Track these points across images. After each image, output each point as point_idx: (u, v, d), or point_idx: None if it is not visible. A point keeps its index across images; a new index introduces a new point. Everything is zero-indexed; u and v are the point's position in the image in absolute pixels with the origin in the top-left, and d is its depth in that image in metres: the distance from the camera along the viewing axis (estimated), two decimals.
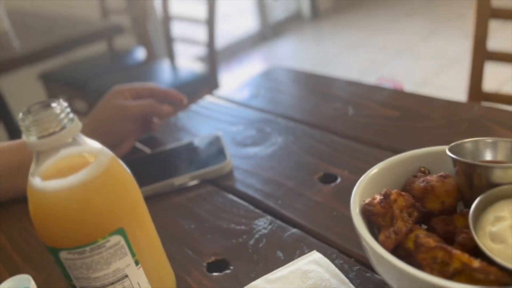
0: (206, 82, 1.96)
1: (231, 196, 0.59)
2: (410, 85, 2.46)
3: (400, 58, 2.84)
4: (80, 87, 2.05)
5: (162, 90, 0.74)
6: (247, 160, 0.66)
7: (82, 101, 2.18)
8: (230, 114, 0.81)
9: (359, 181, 0.44)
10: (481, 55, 1.12)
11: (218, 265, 0.49)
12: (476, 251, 0.37)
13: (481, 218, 0.38)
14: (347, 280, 0.44)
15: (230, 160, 0.64)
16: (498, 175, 0.39)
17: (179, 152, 0.69)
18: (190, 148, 0.70)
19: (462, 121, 0.65)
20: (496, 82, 2.22)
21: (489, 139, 0.43)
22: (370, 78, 2.61)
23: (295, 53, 3.37)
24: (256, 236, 0.52)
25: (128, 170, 0.40)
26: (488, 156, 0.43)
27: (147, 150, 0.73)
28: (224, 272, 0.48)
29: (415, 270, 0.34)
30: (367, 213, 0.40)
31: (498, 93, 1.13)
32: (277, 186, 0.60)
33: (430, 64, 2.67)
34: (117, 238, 0.36)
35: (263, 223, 0.54)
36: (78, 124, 0.36)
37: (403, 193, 0.42)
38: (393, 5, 3.70)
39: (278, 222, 0.53)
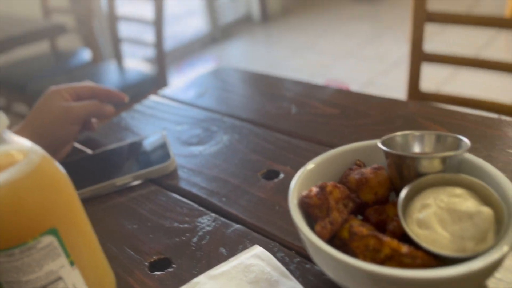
0: (155, 84, 1.93)
1: (174, 195, 0.59)
2: (356, 86, 2.54)
3: (346, 60, 2.93)
4: (20, 89, 1.96)
5: (103, 89, 0.72)
6: (192, 159, 0.66)
7: (22, 104, 2.08)
8: (175, 114, 0.80)
9: (296, 175, 0.45)
10: (418, 57, 1.18)
11: (161, 264, 0.49)
12: (406, 238, 0.39)
13: (409, 206, 0.40)
14: (287, 272, 0.44)
15: (174, 159, 0.64)
16: (424, 165, 0.41)
17: (122, 152, 0.68)
18: (133, 147, 0.69)
19: (397, 118, 0.68)
20: (435, 82, 2.34)
21: (417, 132, 0.46)
22: (318, 79, 2.67)
23: (245, 55, 3.39)
24: (200, 233, 0.52)
25: (61, 169, 0.38)
26: (416, 148, 0.45)
27: (88, 150, 0.71)
28: (166, 271, 0.48)
29: (348, 257, 0.35)
30: (304, 205, 0.41)
31: (433, 93, 1.19)
32: (221, 183, 0.60)
33: (374, 66, 2.78)
34: (49, 239, 0.35)
35: (206, 221, 0.54)
36: (4, 121, 0.34)
37: (338, 185, 0.43)
38: (339, 10, 3.82)
39: (222, 219, 0.54)
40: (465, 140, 0.42)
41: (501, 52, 2.65)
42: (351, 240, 0.39)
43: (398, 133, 0.46)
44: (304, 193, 0.42)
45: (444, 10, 1.13)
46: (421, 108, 0.70)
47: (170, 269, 0.48)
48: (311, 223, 0.43)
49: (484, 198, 0.39)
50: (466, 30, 2.74)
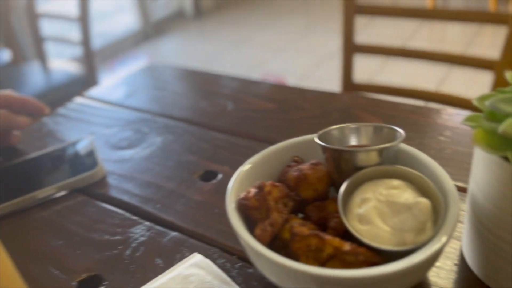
0: (84, 85, 1.82)
1: (104, 205, 0.55)
2: (293, 80, 2.57)
3: (282, 54, 2.95)
4: None
5: (19, 98, 0.65)
6: (122, 164, 0.62)
7: None
8: (103, 116, 0.75)
9: (233, 177, 0.43)
10: (350, 48, 1.20)
11: (91, 282, 0.44)
12: (348, 234, 0.38)
13: (349, 202, 0.39)
14: (229, 279, 0.42)
15: (102, 165, 0.59)
16: (362, 158, 0.40)
17: (42, 161, 0.62)
18: (55, 155, 0.63)
19: (333, 111, 0.68)
20: (366, 72, 2.41)
21: (353, 125, 0.45)
22: (255, 74, 2.66)
23: (180, 52, 3.32)
24: (133, 245, 0.48)
25: None
26: (353, 140, 0.45)
27: (3, 162, 0.64)
28: None
29: (290, 261, 0.34)
30: (243, 207, 0.39)
31: (365, 84, 1.21)
32: (155, 189, 0.56)
33: (309, 59, 2.82)
34: None
35: (140, 231, 0.50)
36: None
37: (277, 184, 0.41)
38: (272, 4, 3.83)
39: (157, 227, 0.50)
40: (400, 130, 0.42)
41: (425, 42, 2.78)
42: (292, 241, 0.37)
43: (334, 126, 0.45)
44: (242, 195, 0.40)
45: (372, 2, 1.15)
46: (355, 99, 0.70)
47: (101, 287, 0.44)
48: (251, 225, 0.41)
49: (421, 188, 0.38)
50: (393, 22, 2.86)
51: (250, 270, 0.43)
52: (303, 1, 3.82)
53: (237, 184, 0.42)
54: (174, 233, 0.49)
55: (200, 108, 0.74)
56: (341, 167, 0.42)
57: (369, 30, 2.83)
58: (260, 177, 0.44)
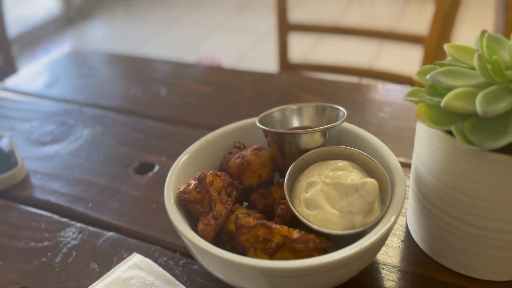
0: (2, 75, 1.67)
1: (28, 208, 0.49)
2: (228, 61, 2.52)
3: (216, 35, 2.88)
4: None
5: None
6: (47, 161, 0.56)
7: None
8: (21, 109, 0.68)
9: (171, 169, 0.39)
10: (284, 27, 1.18)
11: None
12: (295, 221, 0.37)
13: (295, 186, 0.37)
14: (173, 279, 0.39)
15: (23, 164, 0.53)
16: (305, 140, 0.38)
17: None
18: None
19: (272, 91, 0.66)
20: (301, 51, 2.43)
21: (294, 106, 0.43)
22: (189, 57, 2.59)
23: (107, 36, 3.14)
24: (64, 250, 0.44)
25: None
26: (295, 122, 0.43)
27: None
28: None
29: (237, 256, 0.31)
30: (183, 201, 0.36)
31: (302, 63, 1.21)
32: (86, 186, 0.52)
33: (244, 39, 2.78)
34: None
35: (71, 234, 0.45)
36: None
37: (219, 173, 0.39)
38: None
39: (90, 228, 0.46)
40: (342, 109, 0.41)
41: (356, 18, 2.84)
42: (238, 233, 0.35)
43: (275, 109, 0.43)
44: (181, 188, 0.37)
45: None
46: (294, 79, 0.69)
47: None
48: (193, 219, 0.38)
49: (365, 167, 0.37)
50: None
51: (195, 267, 0.41)
52: None
53: (176, 176, 0.39)
54: (110, 233, 0.45)
55: (131, 96, 0.69)
56: (285, 150, 0.40)
57: (302, 9, 2.84)
58: (200, 167, 0.42)
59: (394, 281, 0.37)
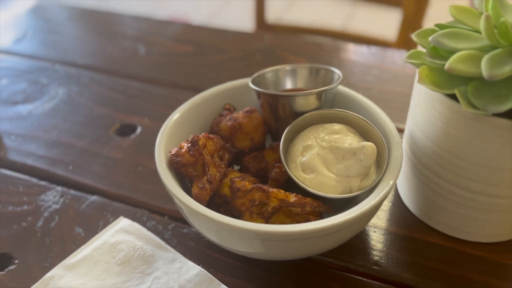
0: None
1: (3, 171, 0.47)
2: (199, 20, 2.44)
3: None
4: None
5: None
6: (20, 122, 0.53)
7: None
8: None
9: (161, 130, 0.38)
10: None
11: None
12: (289, 185, 0.36)
13: (291, 150, 0.36)
14: (163, 243, 0.38)
15: None
16: (300, 103, 0.37)
17: None
18: None
19: (256, 52, 0.64)
20: (276, 11, 2.37)
21: (288, 67, 0.42)
22: (158, 14, 2.48)
23: None
24: (45, 214, 0.42)
25: None
26: (288, 84, 0.42)
27: None
28: (7, 270, 0.37)
29: (235, 220, 0.31)
30: (176, 165, 0.35)
31: (280, 24, 1.18)
32: (65, 148, 0.49)
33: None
34: None
35: (52, 197, 0.44)
36: None
37: (211, 135, 0.37)
38: None
39: (72, 192, 0.44)
40: (337, 71, 0.40)
41: None
42: (234, 197, 0.34)
43: (268, 69, 0.41)
44: (174, 150, 0.35)
45: None
46: (277, 40, 0.67)
47: (11, 267, 0.38)
48: (184, 183, 0.37)
49: (361, 131, 0.37)
50: None
51: (185, 230, 0.40)
52: None
53: (166, 139, 0.37)
54: (93, 197, 0.43)
55: (107, 54, 0.66)
56: (279, 113, 0.39)
57: None
58: (190, 129, 0.40)
59: (384, 243, 0.38)
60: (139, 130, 0.51)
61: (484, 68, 0.28)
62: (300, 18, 2.08)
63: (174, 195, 0.33)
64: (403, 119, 0.48)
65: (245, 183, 0.34)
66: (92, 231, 0.40)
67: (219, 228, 0.31)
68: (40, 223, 0.41)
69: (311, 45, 0.65)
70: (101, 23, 0.75)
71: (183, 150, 0.35)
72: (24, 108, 0.55)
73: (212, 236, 0.34)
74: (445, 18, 0.35)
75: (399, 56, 0.62)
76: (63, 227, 0.41)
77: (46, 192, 0.44)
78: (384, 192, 0.32)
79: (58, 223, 0.41)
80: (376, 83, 0.56)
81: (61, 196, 0.44)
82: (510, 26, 0.29)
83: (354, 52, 0.63)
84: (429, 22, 1.09)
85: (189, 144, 0.35)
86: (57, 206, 0.43)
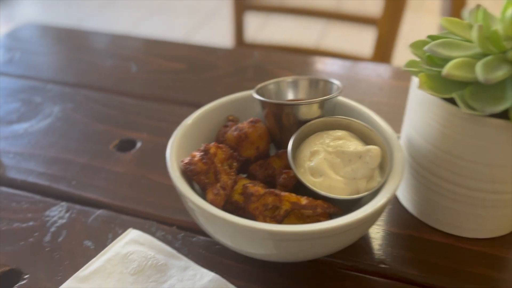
0: None
1: (5, 189, 0.46)
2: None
3: (159, 15, 2.80)
4: None
5: None
6: (17, 140, 0.53)
7: None
8: None
9: (169, 143, 0.39)
10: (241, 6, 1.18)
11: (7, 279, 0.38)
12: (296, 190, 0.38)
13: (298, 156, 0.38)
14: (174, 251, 0.39)
15: None
16: (304, 111, 0.39)
17: None
18: None
19: (247, 68, 0.66)
20: (251, 30, 2.42)
21: (289, 79, 0.44)
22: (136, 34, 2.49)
23: (40, 16, 2.95)
24: (52, 229, 0.42)
25: None
26: (290, 95, 0.44)
27: None
28: (18, 285, 0.37)
29: (252, 222, 0.32)
30: (189, 173, 0.36)
31: (259, 43, 1.21)
32: (65, 165, 0.49)
33: (189, 20, 2.73)
34: None
35: (58, 213, 0.44)
36: None
37: (220, 145, 0.39)
38: None
39: (77, 206, 0.44)
40: (336, 82, 0.42)
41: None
42: (248, 202, 0.35)
43: (271, 81, 0.43)
44: (186, 160, 0.37)
45: None
46: (266, 56, 0.69)
47: (22, 282, 0.37)
48: (193, 190, 0.38)
49: (362, 137, 0.39)
50: None
51: (195, 239, 0.41)
52: None
53: (175, 150, 0.39)
54: (100, 211, 0.44)
55: (100, 72, 0.66)
56: (282, 122, 0.40)
57: None
58: (196, 141, 0.41)
59: (388, 243, 0.40)
60: (139, 145, 0.52)
61: (480, 73, 0.31)
62: (273, 37, 2.13)
63: (190, 201, 0.34)
64: (394, 127, 0.51)
65: (258, 188, 0.36)
66: (101, 243, 0.40)
67: (236, 230, 0.33)
68: (47, 238, 0.41)
69: (299, 61, 0.68)
70: (87, 43, 0.75)
71: (196, 158, 0.36)
72: (19, 127, 0.55)
73: (226, 239, 0.35)
74: (418, 35, 0.39)
75: (383, 70, 0.65)
76: (72, 241, 0.41)
77: (51, 207, 0.44)
78: (391, 191, 0.34)
79: (66, 238, 0.41)
80: (365, 95, 0.59)
81: (67, 211, 0.44)
82: (500, 35, 0.32)
83: (342, 67, 0.66)
84: (402, 40, 1.14)
85: (202, 153, 0.36)
86: (63, 221, 0.43)
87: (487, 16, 0.33)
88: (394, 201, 0.44)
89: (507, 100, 0.31)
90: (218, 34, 2.33)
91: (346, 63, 0.67)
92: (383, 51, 1.07)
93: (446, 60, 0.33)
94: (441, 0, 1.13)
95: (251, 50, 0.71)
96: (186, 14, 2.80)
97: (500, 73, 0.31)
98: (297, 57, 0.69)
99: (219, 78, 0.64)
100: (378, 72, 0.64)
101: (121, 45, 0.74)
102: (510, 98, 0.31)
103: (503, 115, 0.32)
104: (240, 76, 0.64)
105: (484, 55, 0.33)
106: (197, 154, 0.37)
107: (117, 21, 2.75)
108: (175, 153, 0.38)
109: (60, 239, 0.41)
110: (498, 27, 0.32)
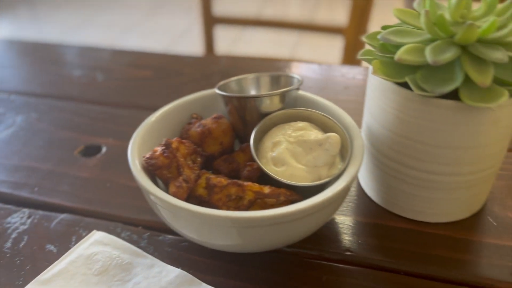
0: None
1: None
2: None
3: (131, 36, 2.80)
4: None
5: None
6: None
7: None
8: None
9: (131, 140, 0.39)
10: (209, 21, 1.19)
11: None
12: (260, 182, 0.38)
13: (260, 148, 0.39)
14: (140, 251, 0.38)
15: None
16: (266, 104, 0.40)
17: None
18: None
19: (214, 73, 0.67)
20: (226, 43, 2.44)
21: (250, 76, 0.44)
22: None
23: (10, 37, 2.91)
24: (13, 235, 0.41)
25: None
26: (252, 91, 0.44)
27: None
28: None
29: (212, 210, 0.32)
30: (151, 167, 0.36)
31: (230, 55, 1.23)
32: (28, 172, 0.48)
33: (163, 39, 2.74)
34: None
35: (19, 219, 0.42)
36: None
37: (183, 140, 0.39)
38: None
39: (40, 212, 0.43)
40: (297, 76, 0.43)
41: (279, 7, 2.94)
42: (211, 193, 0.35)
43: (233, 78, 0.44)
44: (148, 154, 0.36)
45: None
46: (234, 61, 0.70)
47: None
48: (159, 187, 0.38)
49: (323, 127, 0.40)
50: None
51: (160, 238, 0.40)
52: None
53: (138, 146, 0.38)
54: (63, 215, 0.43)
55: (65, 82, 0.66)
56: (246, 116, 0.41)
57: (225, 2, 2.86)
58: (160, 138, 0.41)
59: (353, 232, 0.40)
60: (104, 149, 0.52)
61: (429, 55, 0.32)
62: (249, 49, 2.16)
63: (152, 194, 0.33)
64: (358, 122, 0.52)
65: (221, 179, 0.36)
66: (65, 247, 0.39)
67: (199, 220, 0.32)
68: (8, 245, 0.40)
69: (265, 64, 0.69)
70: (54, 55, 0.75)
71: (157, 153, 0.36)
72: None
73: (191, 232, 0.35)
74: None
75: (346, 71, 0.66)
76: (34, 246, 0.40)
77: (12, 214, 0.43)
78: (352, 174, 0.34)
79: (28, 243, 0.40)
80: (331, 94, 0.60)
81: (29, 217, 0.43)
82: (446, 20, 0.33)
83: (308, 69, 0.67)
84: (368, 46, 1.17)
85: (163, 147, 0.36)
86: (25, 227, 0.42)
87: (433, 3, 0.35)
88: (359, 191, 0.45)
89: (456, 80, 0.32)
90: (192, 50, 2.35)
91: (312, 66, 0.68)
92: (350, 58, 1.09)
93: (398, 47, 0.34)
94: (404, 2, 1.17)
95: (219, 58, 0.72)
96: (160, 34, 2.81)
97: (448, 55, 0.32)
98: (264, 63, 0.70)
99: (185, 83, 0.64)
100: (342, 72, 0.66)
101: (87, 56, 0.74)
102: (458, 78, 0.32)
103: (455, 96, 0.33)
104: (207, 81, 0.64)
105: (433, 40, 0.34)
106: (159, 149, 0.36)
107: (92, 42, 2.73)
108: (137, 150, 0.38)
109: (21, 244, 0.40)
110: (444, 12, 0.34)
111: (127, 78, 0.66)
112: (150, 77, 0.66)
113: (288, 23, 1.17)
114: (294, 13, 2.87)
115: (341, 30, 1.10)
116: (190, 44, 2.54)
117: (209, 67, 0.68)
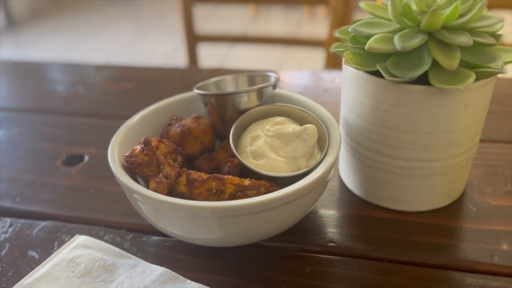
0: None
1: None
2: None
3: (118, 59, 2.82)
4: None
5: None
6: None
7: None
8: None
9: (111, 141, 0.39)
10: (193, 39, 1.21)
11: None
12: (241, 176, 0.38)
13: (240, 143, 0.39)
14: (123, 252, 0.38)
15: None
16: (244, 101, 0.40)
17: None
18: None
19: (196, 83, 0.67)
20: (215, 59, 2.47)
21: (229, 77, 0.45)
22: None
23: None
24: None
25: None
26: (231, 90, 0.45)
27: None
28: None
29: (192, 201, 0.32)
30: (131, 165, 0.36)
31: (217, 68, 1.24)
32: (9, 183, 0.48)
33: (149, 61, 2.76)
34: None
35: (0, 228, 0.42)
36: None
37: (163, 139, 0.39)
38: (97, 9, 3.64)
39: (22, 221, 0.43)
40: (273, 74, 0.44)
41: (265, 23, 2.99)
42: (191, 188, 0.36)
43: (211, 80, 0.45)
44: (128, 153, 0.37)
45: None
46: (215, 72, 0.71)
47: None
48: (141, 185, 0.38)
49: (301, 121, 0.40)
50: (233, 8, 3.02)
51: (144, 238, 0.40)
52: (130, 6, 3.72)
53: (118, 147, 0.39)
54: (45, 222, 0.42)
55: (47, 97, 0.66)
56: (225, 115, 0.41)
57: (212, 19, 2.90)
58: (139, 140, 0.41)
59: (335, 224, 0.40)
60: (86, 158, 0.52)
61: (397, 42, 0.33)
62: (239, 64, 2.19)
63: (132, 190, 0.33)
64: (337, 121, 0.53)
65: (201, 174, 0.36)
66: (47, 252, 0.39)
67: (180, 212, 0.32)
68: None
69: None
70: (35, 73, 0.75)
71: (137, 151, 0.36)
72: None
73: (173, 227, 0.35)
74: None
75: (325, 75, 0.68)
76: (15, 253, 0.39)
77: None
78: (328, 164, 0.35)
79: (10, 250, 0.39)
80: (310, 97, 0.61)
81: (10, 226, 0.42)
82: (412, 9, 0.34)
83: (289, 76, 0.69)
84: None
85: (143, 145, 0.37)
86: (6, 235, 0.41)
87: None
88: (341, 186, 0.45)
89: (424, 65, 0.33)
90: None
91: (291, 72, 0.70)
92: (331, 68, 1.12)
93: (369, 37, 0.36)
94: None
95: (201, 70, 0.72)
96: (146, 57, 2.83)
97: (415, 41, 0.33)
98: (245, 69, 0.71)
99: (168, 93, 0.64)
100: (322, 76, 0.67)
101: (70, 72, 0.74)
102: (427, 63, 0.33)
103: (426, 82, 0.34)
104: (189, 90, 0.65)
105: (401, 30, 0.35)
106: (138, 147, 0.37)
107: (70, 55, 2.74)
108: (117, 150, 0.38)
109: (3, 252, 0.39)
110: (410, 2, 0.35)
111: (109, 91, 0.66)
112: (132, 89, 0.67)
113: (273, 38, 1.19)
114: (279, 30, 2.92)
115: (322, 42, 1.12)
116: (176, 65, 2.56)
117: (191, 77, 0.69)
